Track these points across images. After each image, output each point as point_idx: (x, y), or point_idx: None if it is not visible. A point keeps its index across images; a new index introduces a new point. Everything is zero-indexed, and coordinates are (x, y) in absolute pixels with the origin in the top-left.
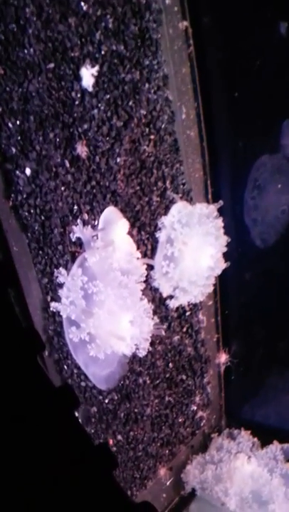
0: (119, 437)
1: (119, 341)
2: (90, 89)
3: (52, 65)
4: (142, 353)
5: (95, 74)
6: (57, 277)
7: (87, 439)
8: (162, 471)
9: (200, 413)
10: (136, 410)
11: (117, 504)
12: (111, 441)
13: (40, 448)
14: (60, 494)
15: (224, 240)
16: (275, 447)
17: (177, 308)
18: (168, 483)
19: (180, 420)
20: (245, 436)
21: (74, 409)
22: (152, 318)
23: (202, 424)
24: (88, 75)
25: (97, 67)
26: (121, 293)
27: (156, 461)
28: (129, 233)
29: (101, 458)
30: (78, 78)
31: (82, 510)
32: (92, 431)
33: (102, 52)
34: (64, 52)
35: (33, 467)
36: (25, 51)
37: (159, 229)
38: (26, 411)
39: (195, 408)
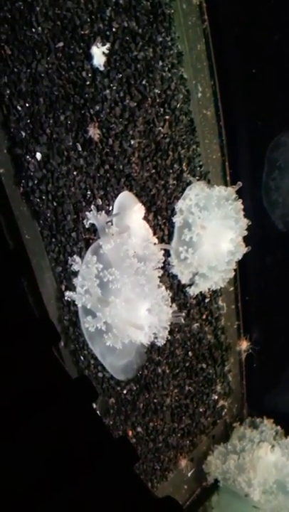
0: (139, 429)
1: (137, 330)
2: (102, 68)
3: (61, 44)
4: (160, 342)
5: (106, 52)
6: (71, 265)
7: (106, 433)
8: (183, 462)
9: (221, 402)
10: (155, 401)
11: (140, 499)
12: (130, 433)
13: (58, 442)
14: (81, 490)
15: (244, 223)
16: None
17: (196, 294)
18: (189, 474)
19: (201, 410)
20: (268, 425)
21: (92, 401)
22: (171, 306)
23: (223, 413)
24: (99, 54)
25: (108, 45)
26: (138, 280)
27: (176, 452)
28: (145, 218)
29: (121, 452)
30: (89, 57)
31: (105, 505)
32: (111, 422)
33: (113, 30)
34: (73, 31)
35: (51, 462)
36: (33, 30)
37: (176, 213)
38: (43, 404)
39: (216, 397)
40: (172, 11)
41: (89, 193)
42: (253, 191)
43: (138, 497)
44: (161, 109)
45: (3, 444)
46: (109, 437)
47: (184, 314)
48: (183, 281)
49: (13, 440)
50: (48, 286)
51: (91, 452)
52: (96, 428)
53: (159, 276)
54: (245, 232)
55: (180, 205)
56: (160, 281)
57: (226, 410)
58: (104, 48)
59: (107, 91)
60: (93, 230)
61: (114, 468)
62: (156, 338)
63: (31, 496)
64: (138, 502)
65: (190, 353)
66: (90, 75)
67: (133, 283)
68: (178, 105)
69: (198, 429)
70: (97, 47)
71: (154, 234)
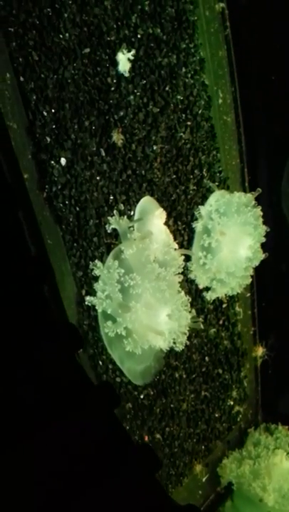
0: (155, 434)
1: (157, 336)
2: (126, 74)
3: (88, 50)
4: (179, 348)
5: (132, 58)
6: (92, 270)
7: (129, 440)
8: (198, 468)
9: (236, 408)
10: (172, 406)
11: (163, 507)
12: (146, 438)
13: (82, 448)
14: (104, 497)
15: (263, 229)
16: None
17: (214, 300)
18: (204, 479)
19: (216, 415)
20: (283, 432)
21: (114, 408)
22: (190, 312)
23: (238, 419)
24: (124, 60)
25: (133, 52)
26: (159, 286)
27: (192, 457)
28: (166, 223)
29: (144, 459)
30: (114, 63)
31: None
32: (127, 427)
33: (139, 36)
34: (100, 37)
35: (75, 468)
36: (61, 36)
37: (196, 219)
38: (67, 410)
39: (231, 403)
40: (196, 17)
41: (111, 197)
42: (271, 197)
43: (161, 505)
44: (183, 115)
45: (25, 448)
46: (131, 444)
47: (202, 320)
48: (201, 287)
49: (36, 445)
50: (68, 290)
51: (114, 459)
52: (119, 435)
53: (179, 282)
54: (264, 239)
55: (200, 210)
56: (179, 287)
57: (241, 416)
58: (130, 55)
59: (131, 97)
60: (115, 234)
61: (137, 475)
62: (175, 343)
63: (54, 502)
64: (161, 510)
65: (206, 358)
66: (114, 81)
67: (154, 288)
68: (199, 111)
69: (213, 435)
70: (123, 53)
71: (174, 239)
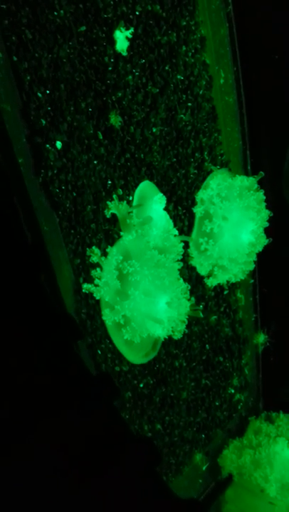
0: (155, 423)
1: (156, 324)
2: (124, 53)
3: (83, 28)
4: (178, 336)
5: (130, 36)
6: (90, 257)
7: (129, 433)
8: (198, 456)
9: (237, 396)
10: (172, 394)
11: (163, 500)
12: (146, 427)
13: (81, 442)
14: (104, 491)
15: (266, 214)
16: None
17: (214, 286)
18: (204, 468)
19: (217, 403)
20: (284, 420)
21: (114, 399)
22: (189, 299)
23: (239, 407)
24: (122, 38)
25: (131, 30)
26: (158, 273)
27: (192, 446)
28: (166, 208)
29: (144, 453)
30: (112, 42)
31: (128, 507)
32: (127, 417)
33: (137, 13)
34: (96, 14)
35: (73, 463)
36: (55, 13)
37: (197, 203)
38: (66, 404)
39: (232, 391)
40: None
41: (109, 182)
42: (273, 181)
43: (161, 498)
44: (184, 96)
45: (26, 442)
46: (132, 437)
47: (202, 308)
48: (202, 273)
49: (37, 439)
50: (65, 278)
51: (113, 452)
52: (119, 428)
53: (178, 269)
54: (267, 224)
55: (201, 195)
56: (179, 274)
57: (241, 404)
58: (128, 33)
59: (130, 77)
60: (113, 220)
61: (137, 468)
62: (173, 331)
63: (55, 496)
64: (161, 504)
65: (207, 346)
66: (112, 60)
67: (153, 275)
68: (200, 92)
69: (213, 423)
70: (121, 31)
71: (174, 225)
